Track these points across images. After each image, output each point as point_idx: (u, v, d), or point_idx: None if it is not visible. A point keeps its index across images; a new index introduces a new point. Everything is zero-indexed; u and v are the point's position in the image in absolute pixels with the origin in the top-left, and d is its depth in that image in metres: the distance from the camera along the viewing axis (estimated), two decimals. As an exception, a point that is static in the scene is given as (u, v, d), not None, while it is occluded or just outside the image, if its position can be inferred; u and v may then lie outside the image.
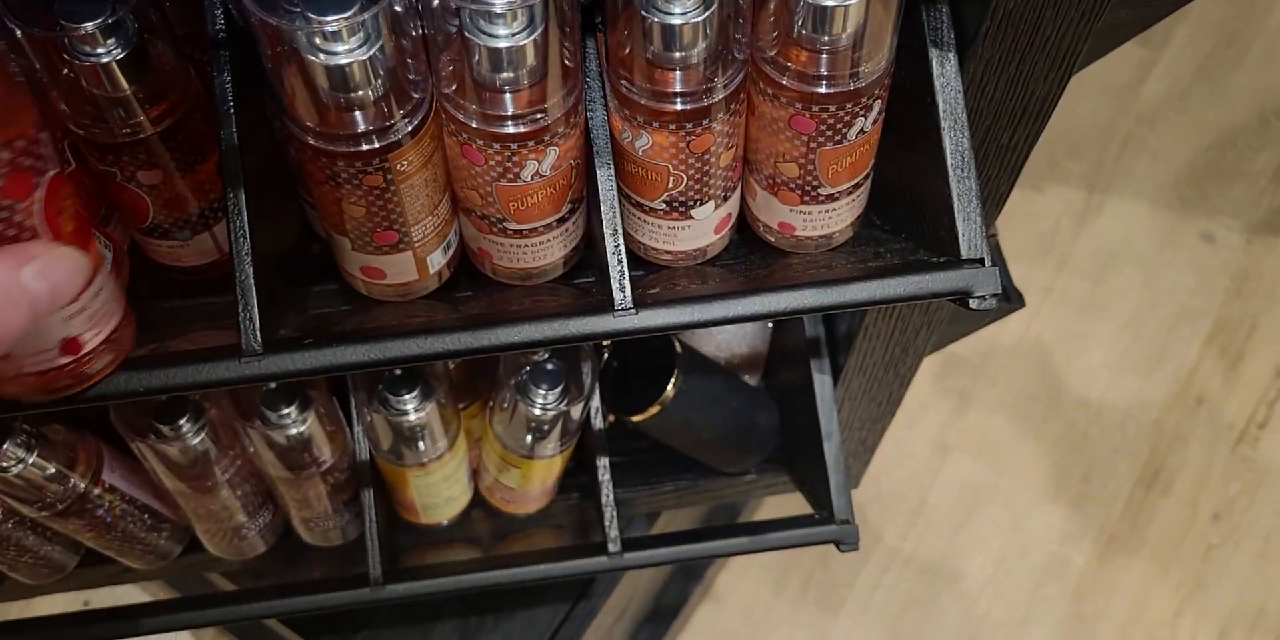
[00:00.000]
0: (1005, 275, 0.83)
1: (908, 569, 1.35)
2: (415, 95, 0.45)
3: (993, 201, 0.61)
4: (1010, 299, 0.82)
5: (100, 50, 0.44)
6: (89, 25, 0.43)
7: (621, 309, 0.48)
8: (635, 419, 0.74)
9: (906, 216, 0.55)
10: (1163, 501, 1.39)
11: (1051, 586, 1.34)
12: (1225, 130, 1.65)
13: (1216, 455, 1.42)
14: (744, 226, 0.58)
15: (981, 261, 0.49)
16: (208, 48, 0.47)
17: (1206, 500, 1.39)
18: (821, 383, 0.74)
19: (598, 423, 0.74)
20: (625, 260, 0.48)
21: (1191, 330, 1.50)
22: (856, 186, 0.53)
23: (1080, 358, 1.48)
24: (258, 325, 0.46)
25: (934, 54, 0.49)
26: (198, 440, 0.65)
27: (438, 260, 0.54)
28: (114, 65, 0.45)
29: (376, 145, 0.45)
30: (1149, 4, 0.59)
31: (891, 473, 1.40)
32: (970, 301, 0.49)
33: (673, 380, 0.73)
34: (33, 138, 0.38)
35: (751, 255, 0.58)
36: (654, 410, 0.73)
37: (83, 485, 0.68)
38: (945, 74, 0.50)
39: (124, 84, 0.46)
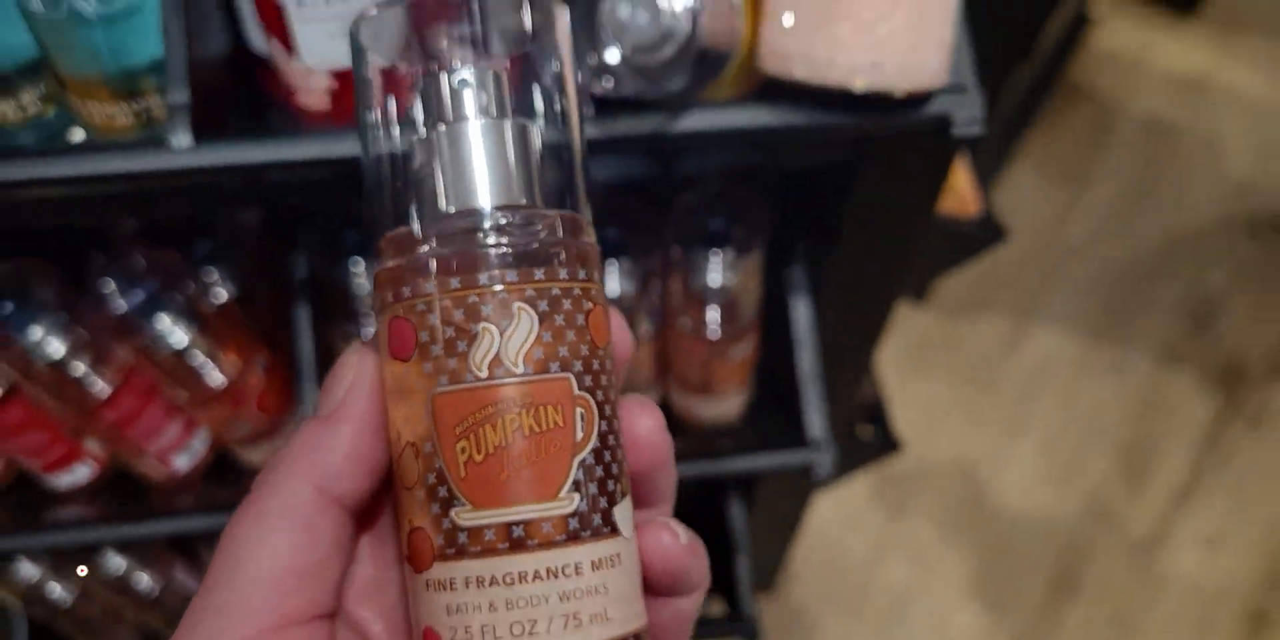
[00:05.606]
0: (884, 423, 1.02)
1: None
2: None
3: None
4: (892, 445, 1.01)
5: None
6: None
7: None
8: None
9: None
10: (1070, 606, 1.57)
11: (970, 681, 1.51)
12: (1132, 265, 1.86)
13: (1118, 564, 1.59)
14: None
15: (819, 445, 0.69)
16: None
17: (1107, 606, 1.57)
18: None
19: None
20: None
21: (1100, 450, 1.69)
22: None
23: (1002, 473, 1.67)
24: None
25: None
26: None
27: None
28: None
29: None
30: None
31: (833, 575, 1.57)
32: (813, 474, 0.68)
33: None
34: None
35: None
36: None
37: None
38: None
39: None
